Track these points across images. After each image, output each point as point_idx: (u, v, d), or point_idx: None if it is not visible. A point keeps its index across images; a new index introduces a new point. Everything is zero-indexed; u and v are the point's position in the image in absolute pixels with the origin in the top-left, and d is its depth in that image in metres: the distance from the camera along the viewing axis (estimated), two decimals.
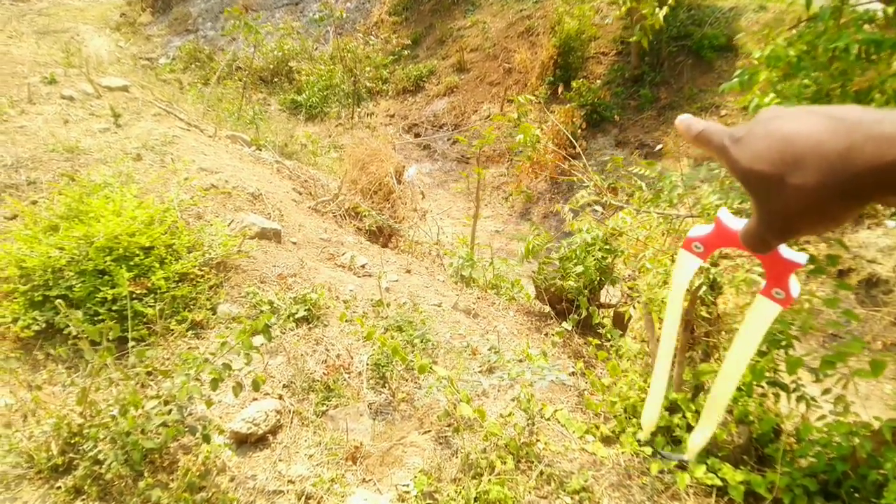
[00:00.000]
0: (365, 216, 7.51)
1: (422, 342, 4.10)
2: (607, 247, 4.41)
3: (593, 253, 4.45)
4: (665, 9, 4.21)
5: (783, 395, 3.54)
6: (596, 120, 14.01)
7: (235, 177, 5.81)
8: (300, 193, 6.92)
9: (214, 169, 6.10)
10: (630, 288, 4.89)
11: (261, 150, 7.80)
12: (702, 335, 3.63)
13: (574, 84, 14.25)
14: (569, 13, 15.31)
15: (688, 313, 3.44)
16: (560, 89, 14.93)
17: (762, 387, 3.59)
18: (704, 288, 3.19)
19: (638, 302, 4.00)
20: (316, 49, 18.81)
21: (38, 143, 6.36)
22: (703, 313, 3.54)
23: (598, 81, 14.96)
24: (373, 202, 8.08)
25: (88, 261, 4.19)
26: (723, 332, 3.63)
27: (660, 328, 3.87)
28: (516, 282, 5.72)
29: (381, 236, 7.78)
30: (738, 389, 3.56)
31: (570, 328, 4.30)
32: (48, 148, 6.19)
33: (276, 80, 18.47)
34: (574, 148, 14.11)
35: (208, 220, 5.23)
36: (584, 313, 4.34)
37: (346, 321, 4.35)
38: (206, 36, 22.08)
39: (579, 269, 4.53)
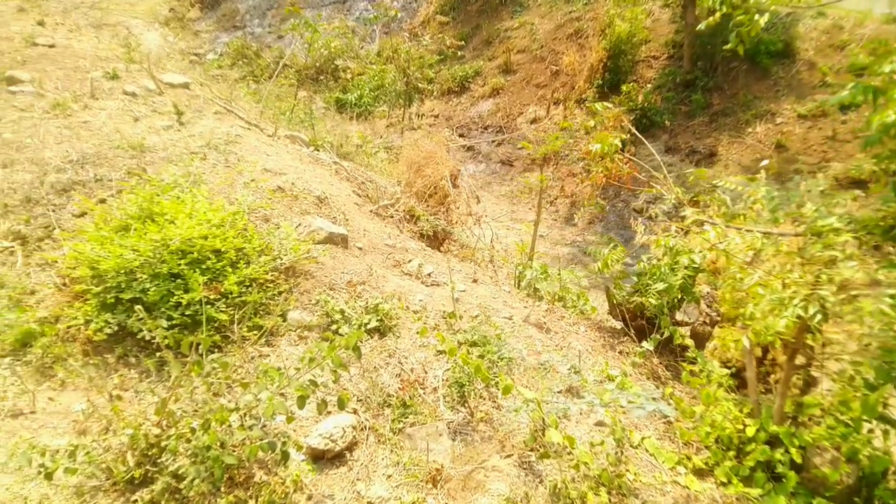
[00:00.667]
0: (420, 219, 7.35)
1: (499, 359, 3.91)
2: (695, 265, 4.16)
3: (678, 271, 4.21)
4: (767, 15, 3.95)
5: (893, 431, 3.28)
6: (645, 125, 13.64)
7: (300, 179, 5.69)
8: (360, 196, 6.79)
9: (278, 170, 5.98)
10: (710, 307, 4.64)
11: (319, 150, 7.68)
12: (804, 364, 3.38)
13: (624, 88, 13.90)
14: (620, 15, 14.96)
15: (795, 342, 3.20)
16: (605, 92, 14.62)
17: (871, 423, 3.33)
18: (819, 317, 2.94)
19: (732, 326, 3.76)
20: (361, 48, 18.74)
21: (102, 138, 6.32)
22: (809, 341, 3.29)
23: (649, 85, 14.59)
24: (428, 205, 7.91)
25: (162, 263, 4.09)
26: (827, 363, 3.37)
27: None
28: (582, 294, 5.50)
29: (436, 240, 7.62)
30: (846, 426, 3.30)
31: (651, 348, 4.08)
32: (113, 144, 6.14)
33: (321, 77, 18.43)
34: (623, 152, 13.78)
35: (276, 222, 5.10)
36: (666, 333, 4.11)
37: (419, 333, 4.18)
38: (254, 33, 22.18)
39: (660, 285, 4.29)
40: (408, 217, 7.40)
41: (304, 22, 13.51)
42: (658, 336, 4.10)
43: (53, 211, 5.15)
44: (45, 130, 6.42)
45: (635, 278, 4.73)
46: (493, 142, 15.89)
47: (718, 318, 4.61)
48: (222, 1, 24.68)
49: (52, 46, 8.71)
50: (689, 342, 4.01)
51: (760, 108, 13.48)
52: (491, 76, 16.98)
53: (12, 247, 4.77)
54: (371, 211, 6.32)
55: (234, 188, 5.41)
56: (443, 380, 3.82)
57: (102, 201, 5.22)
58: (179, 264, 4.10)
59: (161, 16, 26.49)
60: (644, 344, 4.05)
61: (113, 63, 8.50)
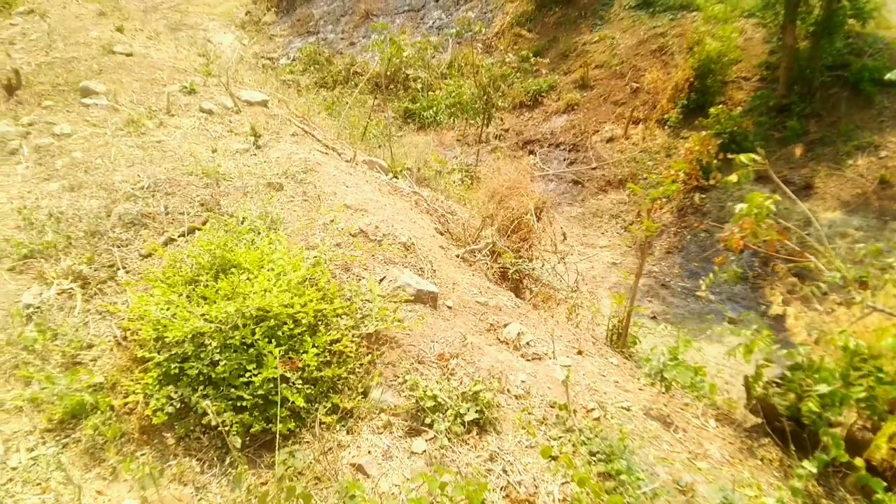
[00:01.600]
0: (504, 257, 6.63)
1: (629, 476, 3.14)
2: (881, 375, 3.29)
3: (854, 379, 3.32)
4: None
5: None
6: (734, 150, 12.46)
7: (384, 221, 5.03)
8: (442, 234, 6.11)
9: (359, 205, 5.34)
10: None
11: (397, 178, 7.04)
12: None
13: (712, 110, 12.82)
14: (711, 33, 13.86)
15: None
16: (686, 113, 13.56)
17: None
18: None
19: None
20: (433, 57, 18.12)
21: (176, 162, 5.81)
22: None
23: (738, 108, 13.44)
24: (510, 241, 7.18)
25: (234, 331, 3.48)
26: None
27: None
28: (700, 369, 4.64)
29: (517, 280, 6.88)
30: None
31: (813, 470, 3.24)
32: (187, 170, 5.63)
33: (391, 86, 17.89)
34: (707, 179, 12.72)
35: (357, 272, 4.45)
36: (833, 453, 3.27)
37: (524, 430, 3.45)
38: (326, 38, 21.86)
39: (823, 387, 3.44)
40: (489, 253, 6.69)
41: (388, 38, 12.95)
42: (823, 456, 3.25)
43: (119, 247, 4.63)
44: (118, 150, 5.97)
45: (786, 372, 3.87)
46: (564, 160, 15.02)
47: (881, 422, 3.73)
48: (297, 6, 24.49)
49: (129, 55, 8.35)
50: (876, 482, 3.13)
51: (862, 139, 12.21)
52: (566, 91, 16.10)
53: (72, 288, 4.26)
54: (457, 256, 5.62)
55: (313, 229, 4.79)
56: (559, 500, 3.07)
57: (172, 240, 4.68)
58: (254, 332, 3.48)
59: (238, 18, 26.59)
60: (805, 464, 3.22)
61: (190, 76, 8.06)
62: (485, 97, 16.15)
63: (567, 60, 16.88)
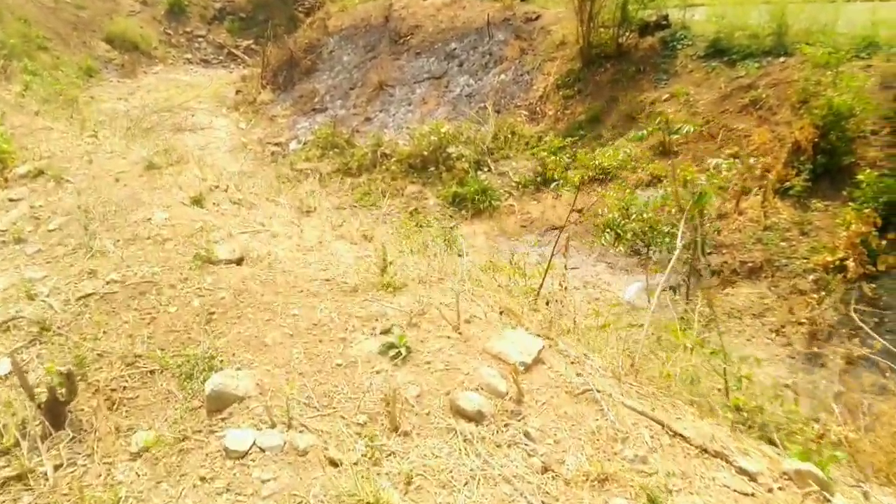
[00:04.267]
0: None
1: None
2: None
3: None
4: None
5: None
6: (895, 223, 9.81)
7: None
8: None
9: None
10: None
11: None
12: None
13: (862, 176, 10.18)
14: (833, 84, 11.32)
15: None
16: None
17: None
18: None
19: None
20: (477, 131, 15.36)
21: None
22: None
23: (882, 170, 10.80)
24: None
25: None
26: None
27: None
28: None
29: None
30: None
31: None
32: None
33: (430, 168, 15.05)
34: (874, 265, 9.99)
35: None
36: None
37: None
38: (337, 115, 19.05)
39: None
40: None
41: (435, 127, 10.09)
42: None
43: None
44: None
45: None
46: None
47: None
48: (297, 81, 21.73)
49: (239, 262, 4.79)
50: None
51: None
52: (644, 160, 13.39)
53: None
54: None
55: None
56: None
57: None
58: None
59: (228, 99, 23.71)
60: None
61: (370, 300, 4.91)
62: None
63: (635, 123, 14.22)
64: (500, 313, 4.62)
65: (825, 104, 11.03)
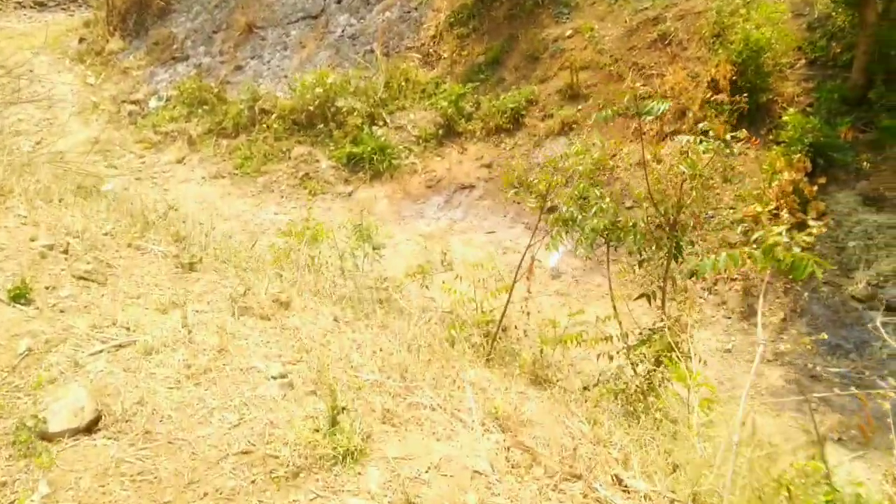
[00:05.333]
0: None
1: None
2: None
3: None
4: None
5: None
6: (822, 167, 9.22)
7: None
8: None
9: None
10: None
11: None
12: None
13: (787, 117, 9.48)
14: (745, 16, 10.42)
15: None
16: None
17: None
18: None
19: None
20: (363, 80, 13.43)
21: None
22: None
23: (793, 108, 10.16)
24: None
25: None
26: None
27: None
28: None
29: None
30: None
31: None
32: None
33: (318, 125, 13.08)
34: (805, 213, 9.39)
35: None
36: None
37: None
38: (201, 64, 16.35)
39: None
40: None
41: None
42: None
43: None
44: None
45: None
46: None
47: None
48: (150, 25, 18.48)
49: None
50: None
51: None
52: (552, 105, 12.13)
53: None
54: None
55: None
56: None
57: None
58: None
59: (71, 49, 19.96)
60: None
61: None
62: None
63: (539, 63, 12.88)
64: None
65: (742, 38, 10.13)
